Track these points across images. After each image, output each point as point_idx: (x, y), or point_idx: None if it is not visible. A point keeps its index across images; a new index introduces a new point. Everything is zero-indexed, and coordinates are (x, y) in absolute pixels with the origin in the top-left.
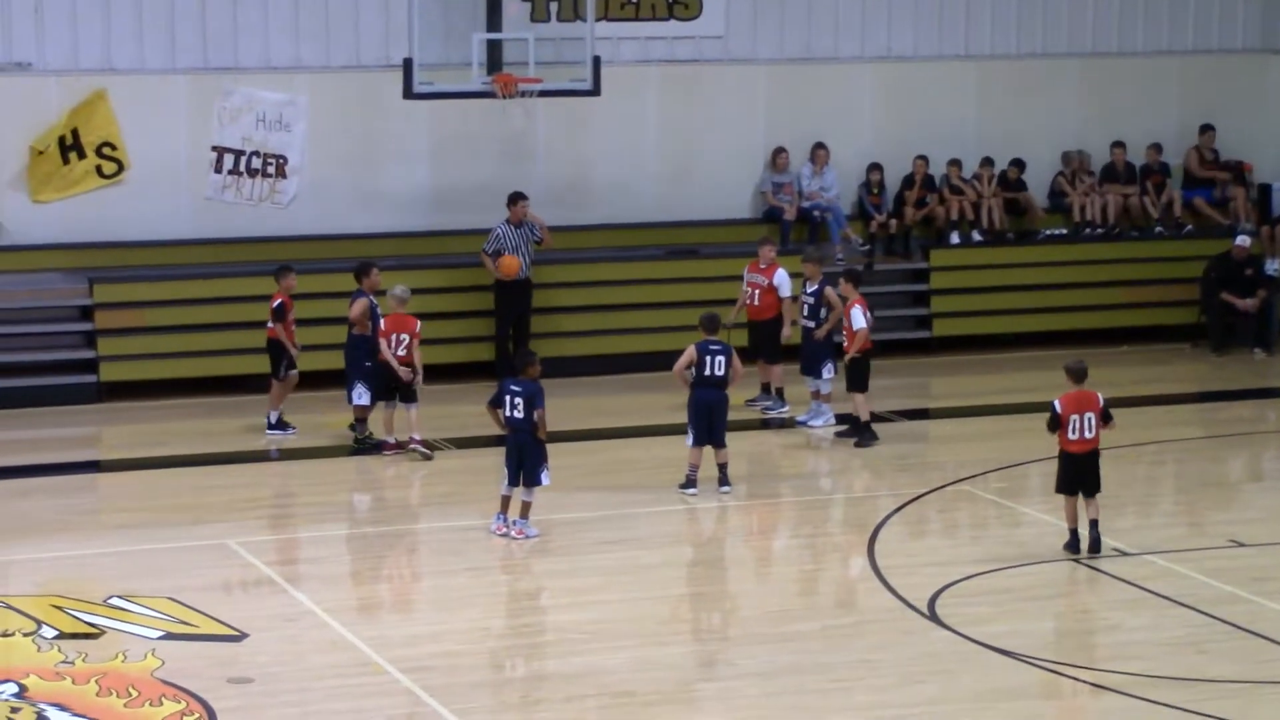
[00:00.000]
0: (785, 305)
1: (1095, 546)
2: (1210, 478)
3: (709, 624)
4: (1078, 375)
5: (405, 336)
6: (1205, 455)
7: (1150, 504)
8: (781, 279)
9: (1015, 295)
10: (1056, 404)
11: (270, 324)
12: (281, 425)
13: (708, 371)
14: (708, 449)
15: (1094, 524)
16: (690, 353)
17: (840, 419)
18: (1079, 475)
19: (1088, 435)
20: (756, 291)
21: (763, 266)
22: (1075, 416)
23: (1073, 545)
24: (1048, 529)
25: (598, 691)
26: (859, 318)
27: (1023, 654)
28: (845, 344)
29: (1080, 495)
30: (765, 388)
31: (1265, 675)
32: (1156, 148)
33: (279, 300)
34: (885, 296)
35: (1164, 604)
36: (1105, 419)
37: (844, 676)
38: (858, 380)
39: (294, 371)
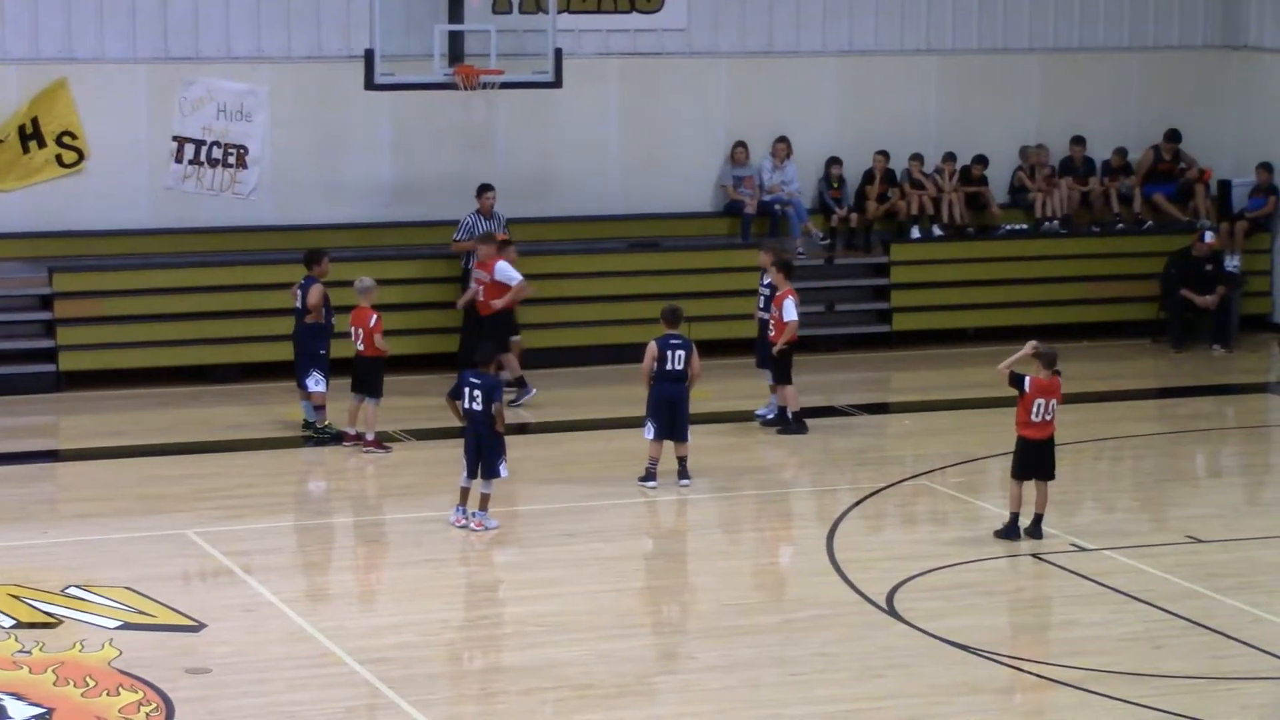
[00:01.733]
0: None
1: (1036, 533)
2: (1169, 473)
3: (668, 617)
4: (1050, 361)
5: (360, 330)
6: (1164, 451)
7: (1108, 499)
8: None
9: (975, 290)
10: (1027, 380)
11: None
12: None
13: (668, 366)
14: (667, 442)
15: (1039, 517)
16: (651, 349)
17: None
18: (1036, 460)
19: (1048, 418)
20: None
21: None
22: (1040, 400)
23: (1011, 531)
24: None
25: (557, 684)
26: (790, 309)
27: (980, 649)
28: (773, 334)
29: (1033, 481)
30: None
31: (1221, 671)
32: (1121, 152)
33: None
34: (845, 291)
35: (1121, 599)
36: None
37: (802, 670)
38: (783, 372)
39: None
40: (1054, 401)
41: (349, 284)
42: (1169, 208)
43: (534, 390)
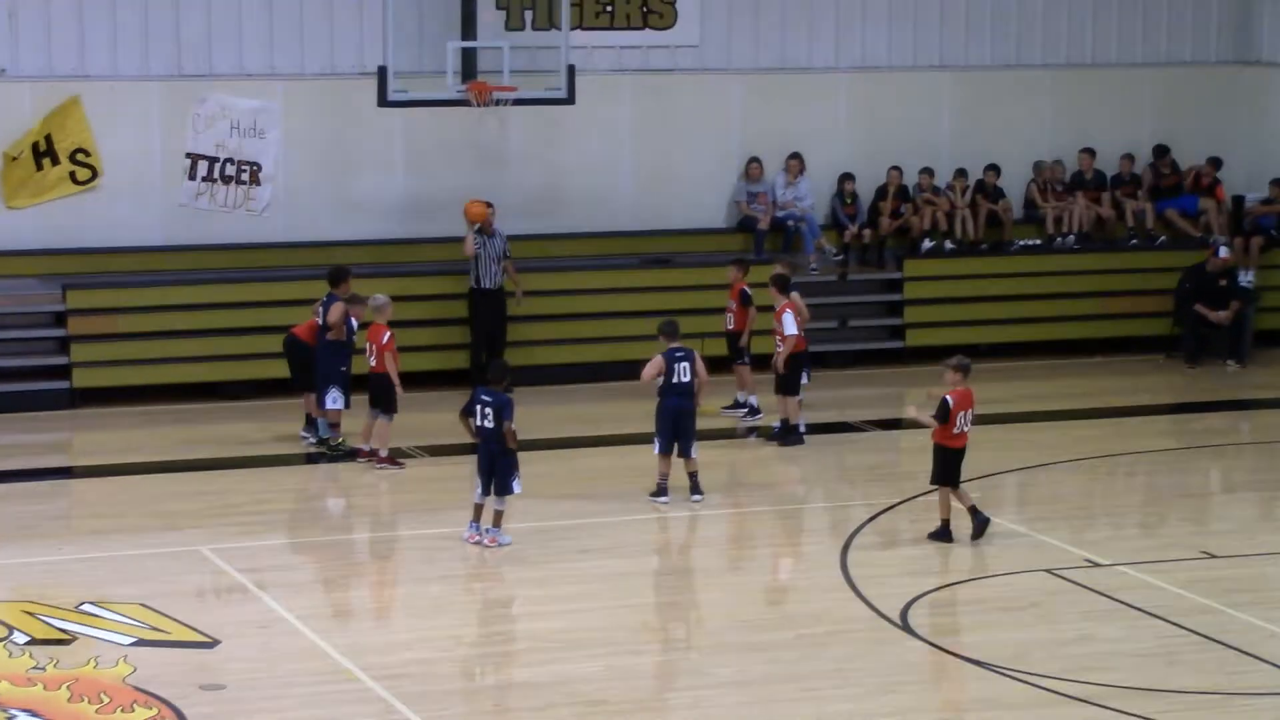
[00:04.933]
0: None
1: (985, 525)
2: (1183, 489)
3: (681, 633)
4: (966, 371)
5: (373, 346)
6: (1178, 466)
7: (1123, 515)
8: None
9: (989, 306)
10: (949, 399)
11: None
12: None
13: (675, 379)
14: (677, 458)
15: (974, 509)
16: (658, 363)
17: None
18: (957, 468)
19: (967, 429)
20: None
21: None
22: (962, 412)
23: (944, 534)
24: (1020, 540)
25: (570, 700)
26: (790, 324)
27: (995, 664)
28: (778, 350)
29: (955, 487)
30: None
31: (1236, 686)
32: (1129, 158)
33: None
34: (859, 306)
35: (1136, 615)
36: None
37: (816, 686)
38: (788, 384)
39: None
40: (970, 412)
41: (361, 300)
42: (1182, 224)
43: None
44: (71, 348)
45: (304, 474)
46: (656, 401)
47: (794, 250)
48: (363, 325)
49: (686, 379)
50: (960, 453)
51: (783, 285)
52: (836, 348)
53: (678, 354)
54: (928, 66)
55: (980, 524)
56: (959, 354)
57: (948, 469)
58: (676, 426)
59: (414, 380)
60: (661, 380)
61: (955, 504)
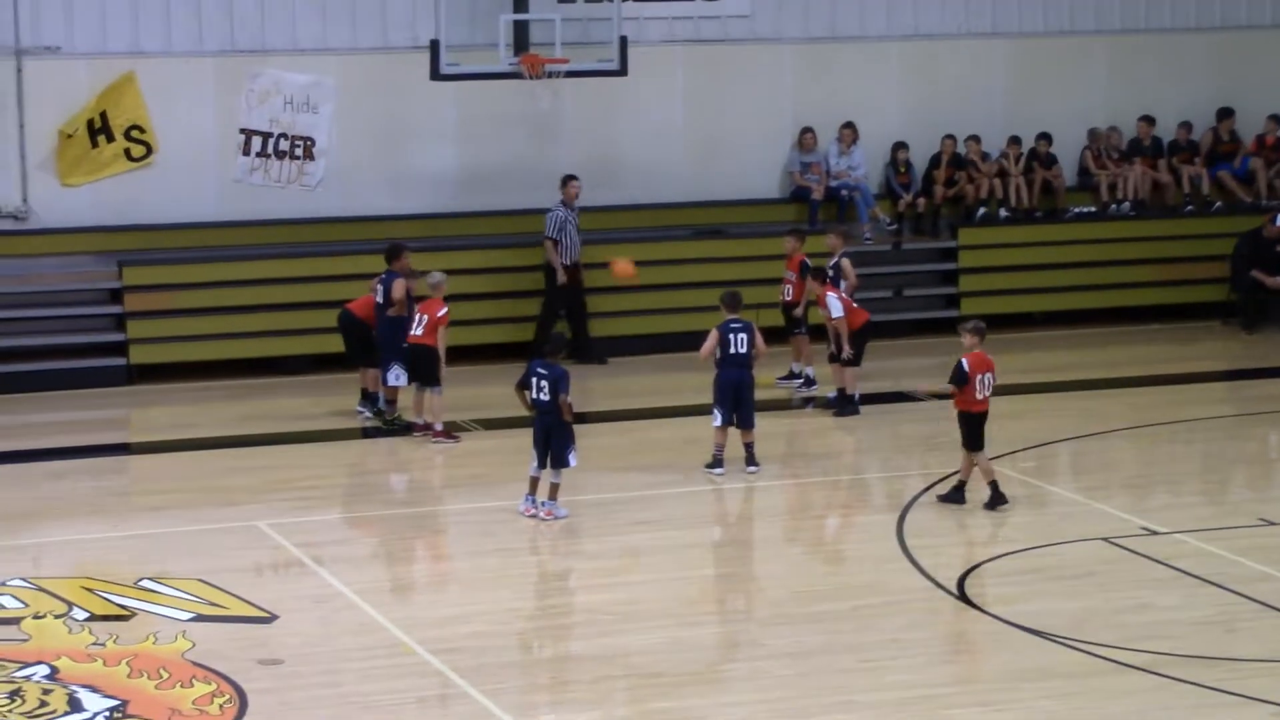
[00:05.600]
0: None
1: (1001, 499)
2: (1240, 456)
3: (737, 604)
4: (981, 334)
5: (425, 317)
6: (1235, 433)
7: (1180, 483)
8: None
9: (1044, 274)
10: (964, 361)
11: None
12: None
13: (731, 350)
14: (734, 429)
15: (995, 484)
16: (714, 336)
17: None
18: (980, 432)
19: (989, 394)
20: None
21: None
22: (980, 375)
23: (956, 496)
24: (1076, 508)
25: (626, 672)
26: (835, 306)
27: (1052, 633)
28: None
29: (979, 451)
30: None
31: None
32: (1186, 126)
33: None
34: (913, 276)
35: (1194, 583)
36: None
37: (873, 656)
38: (855, 358)
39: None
40: (990, 375)
41: (420, 275)
42: (1233, 186)
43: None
44: (128, 324)
45: (360, 449)
46: (714, 374)
47: (848, 220)
48: (417, 297)
49: (744, 350)
50: (982, 417)
51: (816, 274)
52: (891, 318)
53: (734, 325)
54: (980, 34)
55: (996, 498)
56: (975, 319)
57: (972, 433)
58: (737, 398)
59: (466, 354)
60: (719, 353)
61: (978, 471)
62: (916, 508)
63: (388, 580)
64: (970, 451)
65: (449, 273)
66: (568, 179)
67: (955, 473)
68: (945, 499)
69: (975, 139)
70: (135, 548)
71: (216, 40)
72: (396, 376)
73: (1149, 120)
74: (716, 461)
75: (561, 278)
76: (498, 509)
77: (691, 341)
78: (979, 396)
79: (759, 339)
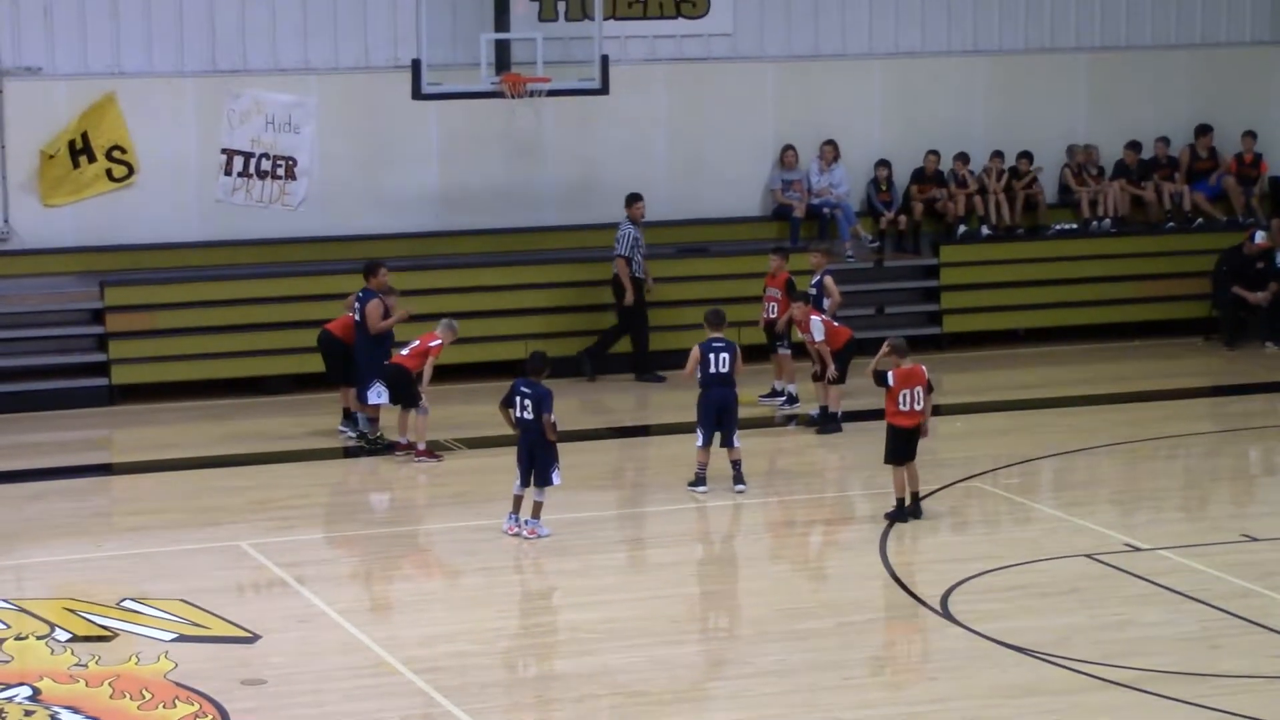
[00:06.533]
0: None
1: (917, 513)
2: (1222, 472)
3: (721, 622)
4: (903, 352)
5: (417, 342)
6: (1218, 449)
7: (1163, 499)
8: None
9: (1026, 291)
10: (890, 377)
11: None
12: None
13: (712, 369)
14: (717, 447)
15: (915, 495)
16: (695, 354)
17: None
18: (907, 446)
19: (916, 408)
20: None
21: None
22: (905, 391)
23: (900, 514)
24: (1059, 525)
25: (610, 691)
26: (818, 330)
27: (1035, 650)
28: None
29: (906, 464)
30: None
31: (1278, 670)
32: (1164, 141)
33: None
34: (895, 293)
35: (1176, 599)
36: (928, 389)
37: (857, 674)
38: (840, 377)
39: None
40: (920, 389)
41: (401, 294)
42: (1207, 208)
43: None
44: (110, 344)
45: (343, 468)
46: (698, 393)
47: (830, 237)
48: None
49: (725, 369)
50: (907, 432)
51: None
52: (873, 335)
53: (715, 344)
54: (961, 51)
55: (904, 512)
56: (898, 336)
57: (895, 447)
58: (720, 418)
59: (451, 372)
60: (699, 372)
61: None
62: (900, 525)
63: (371, 599)
64: (894, 465)
65: (431, 292)
66: (633, 197)
67: (942, 488)
68: (889, 517)
69: (962, 157)
70: (117, 568)
71: (198, 60)
72: (378, 394)
73: (1135, 147)
74: (699, 480)
75: (629, 297)
76: (481, 528)
77: (674, 360)
78: (902, 408)
79: (738, 361)
